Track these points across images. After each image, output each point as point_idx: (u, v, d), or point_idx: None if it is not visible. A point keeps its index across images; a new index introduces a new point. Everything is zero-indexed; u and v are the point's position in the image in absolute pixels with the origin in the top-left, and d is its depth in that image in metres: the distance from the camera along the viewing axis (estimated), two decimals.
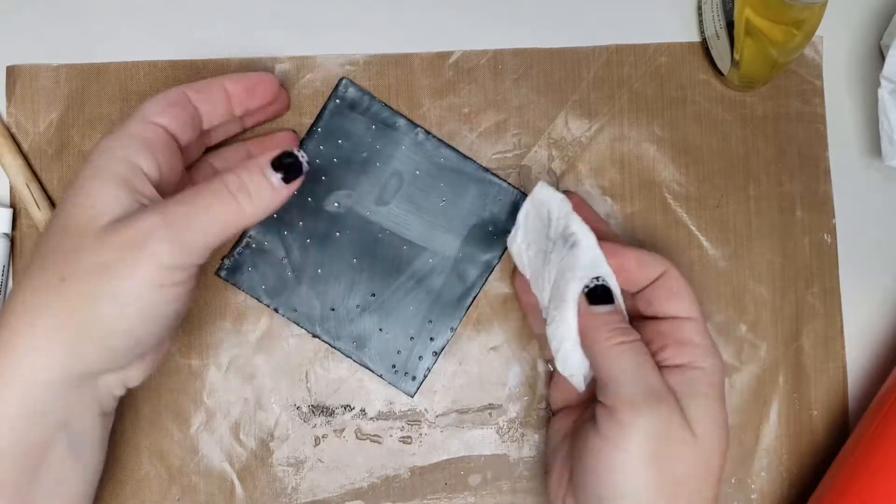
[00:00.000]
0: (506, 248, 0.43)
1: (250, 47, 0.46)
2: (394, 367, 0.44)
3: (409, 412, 0.45)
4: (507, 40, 0.46)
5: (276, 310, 0.44)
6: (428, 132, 0.44)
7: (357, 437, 0.45)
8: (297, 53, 0.46)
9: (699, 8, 0.46)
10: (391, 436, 0.45)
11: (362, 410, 0.45)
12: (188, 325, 0.45)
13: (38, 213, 0.44)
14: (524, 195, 0.42)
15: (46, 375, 0.33)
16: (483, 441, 0.45)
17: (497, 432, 0.45)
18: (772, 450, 0.45)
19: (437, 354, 0.44)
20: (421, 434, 0.45)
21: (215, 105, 0.40)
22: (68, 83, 0.46)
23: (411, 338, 0.44)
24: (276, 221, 0.44)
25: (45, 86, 0.46)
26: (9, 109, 0.46)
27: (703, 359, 0.37)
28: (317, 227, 0.44)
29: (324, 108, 0.45)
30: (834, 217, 0.46)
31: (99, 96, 0.46)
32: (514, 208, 0.44)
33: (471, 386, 0.45)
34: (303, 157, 0.36)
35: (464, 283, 0.44)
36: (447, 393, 0.45)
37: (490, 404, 0.45)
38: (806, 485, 0.45)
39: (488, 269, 0.44)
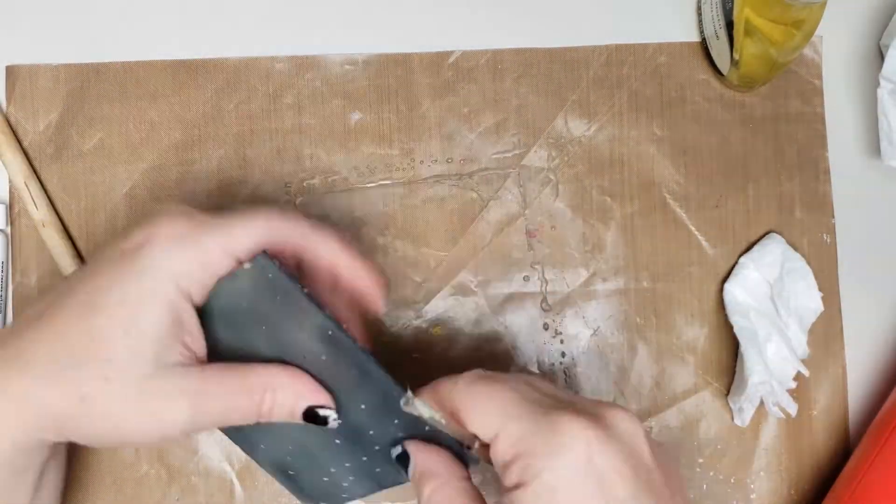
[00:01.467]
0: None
1: (250, 47, 0.46)
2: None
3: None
4: (507, 40, 0.46)
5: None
6: None
7: None
8: (296, 53, 0.46)
9: (699, 8, 0.46)
10: None
11: None
12: None
13: (35, 211, 0.44)
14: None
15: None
16: None
17: None
18: (771, 449, 0.45)
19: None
20: None
21: (317, 270, 0.35)
22: (68, 83, 0.46)
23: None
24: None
25: (45, 86, 0.46)
26: (8, 109, 0.46)
27: (520, 476, 0.29)
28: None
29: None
30: (833, 217, 0.46)
31: (98, 96, 0.46)
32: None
33: None
34: (335, 419, 0.34)
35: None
36: None
37: None
38: (805, 484, 0.45)
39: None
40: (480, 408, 0.30)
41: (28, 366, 0.32)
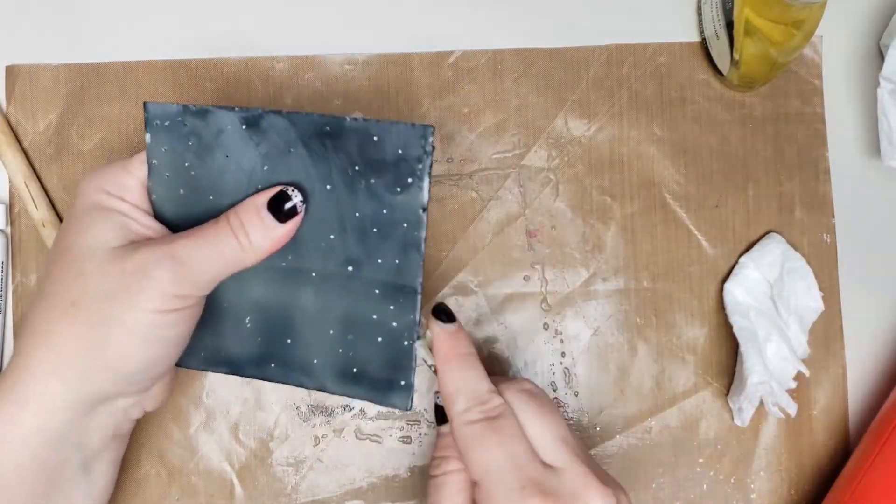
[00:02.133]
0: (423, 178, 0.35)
1: (249, 47, 0.46)
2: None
3: (408, 412, 0.45)
4: (507, 40, 0.46)
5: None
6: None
7: (357, 437, 0.45)
8: (296, 53, 0.46)
9: (699, 8, 0.46)
10: (391, 435, 0.45)
11: (362, 410, 0.45)
12: None
13: (35, 211, 0.44)
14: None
15: (63, 400, 0.34)
16: None
17: None
18: (771, 449, 0.45)
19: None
20: (420, 434, 0.45)
21: None
22: (67, 83, 0.46)
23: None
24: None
25: (45, 86, 0.46)
26: (8, 109, 0.46)
27: None
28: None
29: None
30: (833, 217, 0.46)
31: (98, 96, 0.46)
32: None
33: None
34: (297, 197, 0.36)
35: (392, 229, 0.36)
36: None
37: None
38: (805, 484, 0.45)
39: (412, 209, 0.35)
40: (473, 452, 0.34)
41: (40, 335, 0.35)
